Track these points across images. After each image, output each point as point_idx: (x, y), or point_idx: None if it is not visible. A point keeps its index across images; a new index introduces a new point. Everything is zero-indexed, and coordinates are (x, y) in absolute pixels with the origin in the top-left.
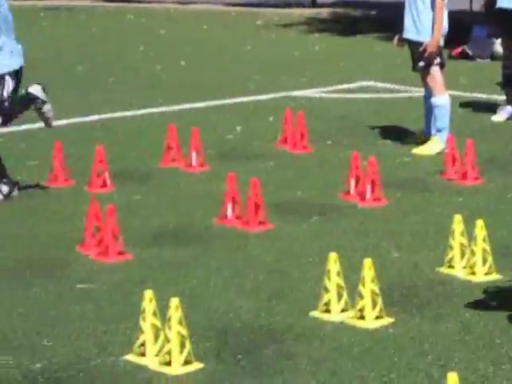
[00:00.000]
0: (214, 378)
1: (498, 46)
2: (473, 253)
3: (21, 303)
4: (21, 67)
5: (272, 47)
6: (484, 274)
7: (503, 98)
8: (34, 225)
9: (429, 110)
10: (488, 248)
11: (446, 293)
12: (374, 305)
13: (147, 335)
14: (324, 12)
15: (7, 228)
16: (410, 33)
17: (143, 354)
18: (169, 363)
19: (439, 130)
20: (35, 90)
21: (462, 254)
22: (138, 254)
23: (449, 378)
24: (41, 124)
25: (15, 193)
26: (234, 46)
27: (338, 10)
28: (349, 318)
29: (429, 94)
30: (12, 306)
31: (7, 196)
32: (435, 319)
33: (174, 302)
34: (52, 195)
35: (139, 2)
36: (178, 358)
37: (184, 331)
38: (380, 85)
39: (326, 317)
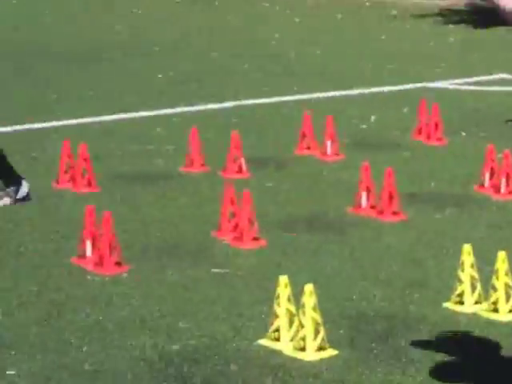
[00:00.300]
0: (348, 364)
1: None
2: None
3: (157, 286)
4: None
5: (406, 38)
6: None
7: None
8: (170, 209)
9: None
10: None
11: None
12: (508, 298)
13: (282, 320)
14: (459, 3)
15: (143, 213)
16: None
17: (277, 339)
18: (303, 349)
19: None
20: None
21: None
22: (272, 240)
23: None
24: (177, 109)
25: (21, 192)
26: (367, 36)
27: (474, 1)
28: (482, 310)
29: None
30: (149, 289)
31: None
32: None
33: (309, 287)
34: (188, 180)
35: None
36: (312, 344)
37: (318, 317)
38: None
39: (458, 308)
